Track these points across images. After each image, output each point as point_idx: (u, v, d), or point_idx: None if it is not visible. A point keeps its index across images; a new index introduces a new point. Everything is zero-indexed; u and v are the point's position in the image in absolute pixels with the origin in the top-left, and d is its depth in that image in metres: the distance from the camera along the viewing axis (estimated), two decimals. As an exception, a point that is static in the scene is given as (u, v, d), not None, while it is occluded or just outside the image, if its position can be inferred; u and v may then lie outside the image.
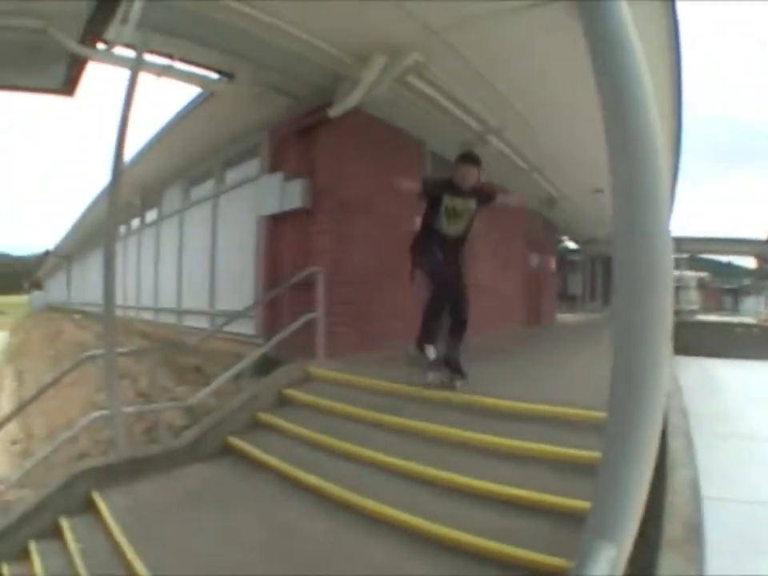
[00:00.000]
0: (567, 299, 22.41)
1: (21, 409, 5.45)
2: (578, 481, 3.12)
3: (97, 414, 4.92)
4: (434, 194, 5.07)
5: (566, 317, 17.54)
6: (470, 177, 4.92)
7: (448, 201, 5.03)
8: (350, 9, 4.61)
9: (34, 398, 5.18)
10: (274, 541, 3.50)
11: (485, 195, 5.13)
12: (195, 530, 3.76)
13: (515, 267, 11.47)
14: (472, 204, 5.07)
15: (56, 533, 4.31)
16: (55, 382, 5.21)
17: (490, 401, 4.35)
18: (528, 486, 3.30)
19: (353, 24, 4.93)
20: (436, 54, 5.31)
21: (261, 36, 4.96)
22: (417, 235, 5.26)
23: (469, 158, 5.00)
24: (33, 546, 4.26)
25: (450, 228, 5.14)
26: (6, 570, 4.20)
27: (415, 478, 3.73)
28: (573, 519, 2.75)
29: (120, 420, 4.73)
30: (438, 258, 5.05)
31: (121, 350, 4.99)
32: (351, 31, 5.07)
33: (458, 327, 5.20)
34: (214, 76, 5.70)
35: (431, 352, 5.00)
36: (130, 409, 4.89)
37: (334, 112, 5.77)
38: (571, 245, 22.58)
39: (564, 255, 22.59)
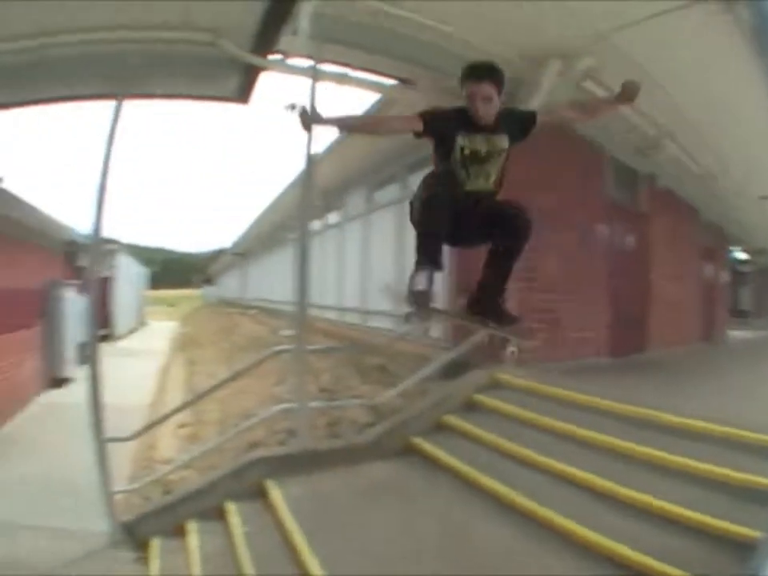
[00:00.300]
0: (737, 314, 20.67)
1: (204, 395, 5.85)
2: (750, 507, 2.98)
3: (282, 405, 5.14)
4: (441, 132, 3.23)
5: (735, 333, 16.19)
6: (485, 102, 3.04)
7: (464, 141, 3.22)
8: (522, 14, 4.52)
9: (219, 385, 5.59)
10: (448, 540, 3.54)
11: (520, 122, 3.27)
12: (370, 524, 3.84)
13: (689, 279, 10.73)
14: (503, 141, 3.21)
15: (219, 515, 4.56)
16: (244, 371, 5.53)
17: (674, 419, 4.08)
18: (703, 510, 3.11)
19: (526, 29, 4.82)
20: (608, 58, 5.03)
21: (435, 43, 4.92)
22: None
23: (478, 70, 3.10)
24: (192, 525, 4.53)
25: (473, 181, 3.31)
26: (157, 543, 4.52)
27: (594, 492, 3.62)
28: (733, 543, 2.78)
29: (305, 413, 4.88)
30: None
31: (311, 346, 5.11)
32: (525, 36, 4.94)
33: (503, 250, 3.30)
34: (393, 82, 5.71)
35: (420, 277, 3.04)
36: (315, 403, 5.04)
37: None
38: (741, 255, 20.89)
39: (734, 266, 20.88)
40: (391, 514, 3.94)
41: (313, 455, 4.77)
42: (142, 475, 5.82)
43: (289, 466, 4.71)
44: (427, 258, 3.19)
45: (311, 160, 5.02)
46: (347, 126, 3.41)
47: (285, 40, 4.69)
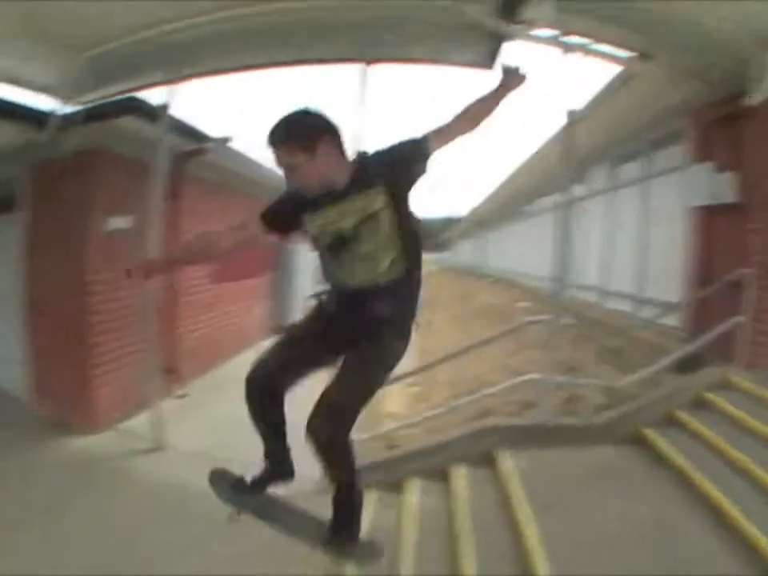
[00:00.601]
0: None
1: (448, 359, 5.88)
2: None
3: (526, 377, 5.12)
4: (288, 223, 2.56)
5: None
6: (291, 172, 2.33)
7: (315, 224, 2.47)
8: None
9: (467, 349, 5.72)
10: (655, 535, 3.49)
11: (402, 160, 2.39)
12: (588, 506, 3.85)
13: None
14: (372, 202, 2.37)
15: (442, 477, 4.68)
16: (491, 339, 5.75)
17: None
18: None
19: (758, 10, 4.47)
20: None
21: (671, 18, 4.73)
22: None
23: (269, 136, 2.32)
24: (412, 483, 4.73)
25: (350, 274, 2.46)
26: (373, 496, 4.64)
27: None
28: None
29: (549, 387, 4.90)
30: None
31: (566, 320, 5.08)
32: (756, 18, 4.60)
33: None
34: (632, 55, 5.43)
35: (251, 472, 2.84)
36: (560, 379, 4.99)
37: (754, 100, 5.22)
38: None
39: None
40: (610, 500, 3.92)
41: (546, 430, 4.78)
42: (364, 428, 5.98)
43: (521, 437, 4.75)
44: (265, 454, 2.80)
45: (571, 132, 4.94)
46: (182, 261, 2.87)
47: (530, 9, 4.59)
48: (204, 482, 5.07)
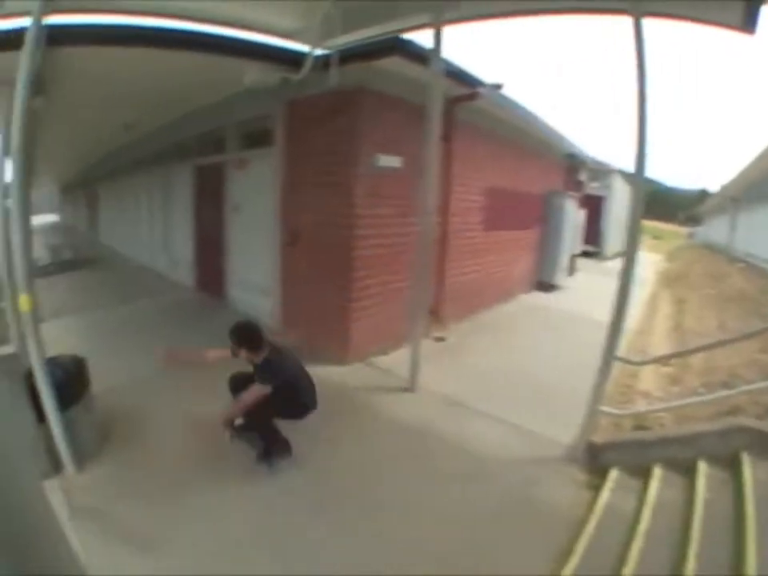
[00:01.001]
0: None
1: (705, 348, 5.71)
2: None
3: None
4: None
5: None
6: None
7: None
8: None
9: (727, 342, 5.31)
10: None
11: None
12: None
13: None
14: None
15: (685, 470, 4.33)
16: (755, 334, 5.33)
17: None
18: None
19: None
20: None
21: None
22: None
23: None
24: (657, 471, 4.39)
25: None
26: (614, 476, 4.48)
27: None
28: None
29: None
30: None
31: None
32: None
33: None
34: None
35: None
36: None
37: None
38: None
39: None
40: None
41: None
42: (616, 402, 5.77)
43: (765, 444, 4.26)
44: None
45: None
46: (197, 362, 4.69)
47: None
48: (445, 427, 5.27)
